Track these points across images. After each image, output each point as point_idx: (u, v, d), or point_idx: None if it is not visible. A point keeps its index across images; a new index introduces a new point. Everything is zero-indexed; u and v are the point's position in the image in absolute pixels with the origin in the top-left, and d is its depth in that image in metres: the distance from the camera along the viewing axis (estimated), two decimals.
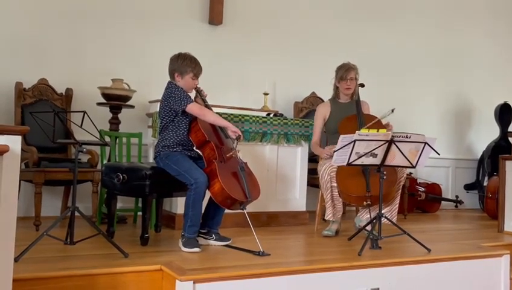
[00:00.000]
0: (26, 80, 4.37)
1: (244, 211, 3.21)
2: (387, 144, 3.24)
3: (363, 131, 3.24)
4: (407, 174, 4.49)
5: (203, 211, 3.30)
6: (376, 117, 3.91)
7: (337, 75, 4.14)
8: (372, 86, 4.67)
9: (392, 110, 3.65)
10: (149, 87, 4.71)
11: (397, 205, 3.86)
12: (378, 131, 3.26)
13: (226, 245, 3.36)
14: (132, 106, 4.54)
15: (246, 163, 3.47)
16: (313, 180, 4.69)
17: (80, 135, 3.21)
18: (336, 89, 4.21)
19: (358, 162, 3.31)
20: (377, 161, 3.32)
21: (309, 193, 4.76)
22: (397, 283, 3.01)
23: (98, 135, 3.01)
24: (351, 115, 4.05)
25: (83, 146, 2.95)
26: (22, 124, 4.21)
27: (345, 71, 4.08)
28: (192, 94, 3.49)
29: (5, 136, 2.06)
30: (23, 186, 3.98)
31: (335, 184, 3.78)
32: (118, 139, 4.25)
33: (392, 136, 3.23)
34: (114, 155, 4.19)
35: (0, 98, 4.35)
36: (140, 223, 3.34)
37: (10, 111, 4.31)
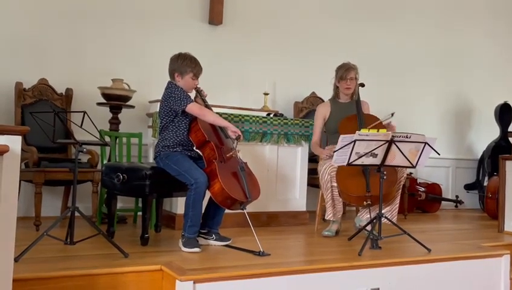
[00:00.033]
0: (26, 80, 4.37)
1: (244, 211, 3.21)
2: (387, 144, 3.24)
3: (363, 131, 3.24)
4: (407, 174, 4.49)
5: (203, 211, 3.30)
6: (376, 117, 3.92)
7: (337, 75, 4.14)
8: (372, 86, 4.67)
9: (392, 114, 3.67)
10: (149, 87, 4.71)
11: (397, 205, 3.86)
12: (378, 131, 3.26)
13: (226, 245, 3.36)
14: (132, 106, 4.54)
15: (246, 163, 3.47)
16: (313, 180, 4.69)
17: (80, 135, 3.22)
18: (336, 88, 4.20)
19: (359, 162, 3.30)
20: (377, 160, 3.32)
21: (309, 193, 4.75)
22: (397, 283, 3.01)
23: (98, 135, 3.01)
24: (351, 115, 4.05)
25: (83, 146, 2.94)
26: (22, 124, 4.21)
27: (344, 71, 4.08)
28: (192, 94, 3.49)
29: (5, 136, 2.06)
30: (23, 186, 3.98)
31: (335, 184, 3.78)
32: (118, 139, 4.25)
33: (392, 136, 3.23)
34: (114, 155, 4.19)
35: (0, 98, 4.35)
36: (141, 223, 3.34)
37: (10, 111, 4.31)
